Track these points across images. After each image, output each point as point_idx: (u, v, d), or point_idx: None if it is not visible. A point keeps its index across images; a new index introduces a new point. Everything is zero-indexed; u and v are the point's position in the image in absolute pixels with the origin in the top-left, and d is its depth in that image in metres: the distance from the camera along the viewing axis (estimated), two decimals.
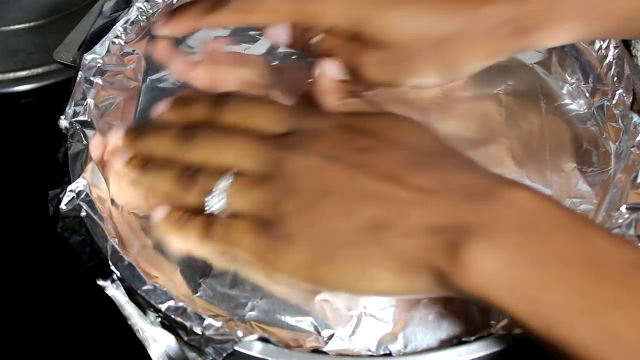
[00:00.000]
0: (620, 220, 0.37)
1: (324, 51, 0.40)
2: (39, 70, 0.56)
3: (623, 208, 0.37)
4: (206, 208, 0.34)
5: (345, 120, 0.35)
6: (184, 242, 0.36)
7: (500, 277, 0.26)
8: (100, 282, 0.36)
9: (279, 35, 0.40)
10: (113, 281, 0.35)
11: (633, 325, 0.25)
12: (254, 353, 0.33)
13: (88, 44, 0.45)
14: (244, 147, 0.34)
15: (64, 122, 0.41)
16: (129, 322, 0.35)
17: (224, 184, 0.34)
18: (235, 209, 0.34)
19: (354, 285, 0.31)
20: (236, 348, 0.33)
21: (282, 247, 0.31)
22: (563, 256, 0.26)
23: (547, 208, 0.28)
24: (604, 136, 0.43)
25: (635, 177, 0.39)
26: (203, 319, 0.33)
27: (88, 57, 0.44)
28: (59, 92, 0.43)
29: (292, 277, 0.32)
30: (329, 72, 0.37)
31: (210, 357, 0.33)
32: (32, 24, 0.58)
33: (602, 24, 0.37)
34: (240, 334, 0.33)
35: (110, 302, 0.35)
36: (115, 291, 0.35)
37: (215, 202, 0.34)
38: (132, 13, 0.47)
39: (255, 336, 0.33)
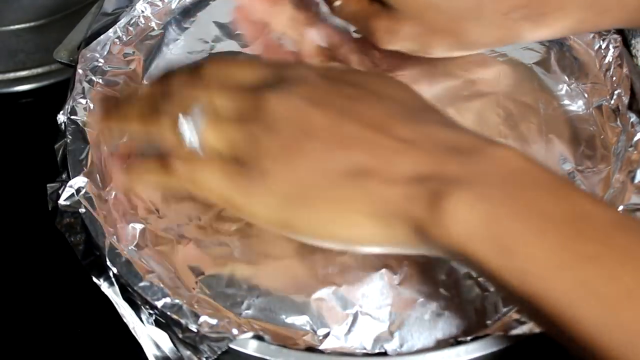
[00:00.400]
0: None
1: (345, 15, 0.42)
2: (39, 70, 0.56)
3: (621, 208, 0.37)
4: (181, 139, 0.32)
5: (331, 72, 0.34)
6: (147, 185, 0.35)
7: (479, 228, 0.26)
8: (95, 280, 0.36)
9: None
10: (107, 279, 0.35)
11: (611, 279, 0.25)
12: (249, 351, 0.33)
13: (88, 44, 0.45)
14: (220, 87, 0.32)
15: (61, 117, 0.41)
16: (124, 320, 0.35)
17: (195, 112, 0.31)
18: (208, 144, 0.32)
19: (328, 229, 0.30)
20: (231, 346, 0.33)
21: (256, 186, 0.30)
22: (544, 212, 0.26)
23: (532, 167, 0.28)
24: (602, 136, 0.43)
25: (634, 177, 0.39)
26: (198, 317, 0.33)
27: (88, 56, 0.44)
28: (59, 92, 0.43)
29: (263, 219, 0.31)
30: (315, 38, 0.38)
31: (205, 355, 0.33)
32: (32, 24, 0.58)
33: (616, 14, 0.38)
34: (235, 332, 0.33)
35: (107, 298, 0.35)
36: (109, 289, 0.36)
37: (187, 133, 0.32)
38: (134, 13, 0.48)
39: (250, 334, 0.33)
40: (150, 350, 0.35)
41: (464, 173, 0.27)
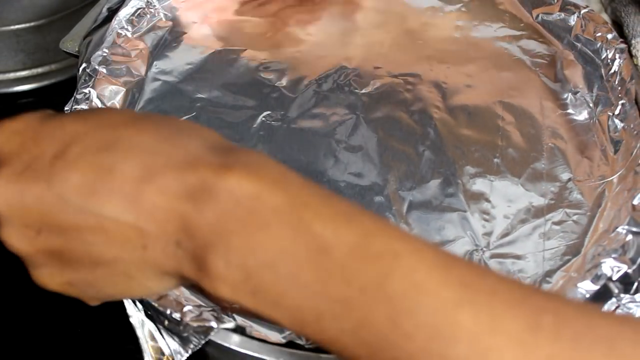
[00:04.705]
0: (615, 242, 0.36)
1: None
2: (39, 70, 0.57)
3: (620, 229, 0.37)
4: None
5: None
6: None
7: (242, 285, 0.24)
8: None
9: None
10: None
11: (368, 324, 0.23)
12: (231, 345, 0.33)
13: (94, 35, 0.45)
14: None
15: (68, 108, 0.42)
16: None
17: None
18: None
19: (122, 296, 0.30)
20: (214, 339, 0.33)
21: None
22: (286, 251, 0.23)
23: (262, 192, 0.24)
24: (602, 147, 0.42)
25: (633, 197, 0.38)
26: (182, 306, 0.33)
27: (93, 47, 0.45)
28: (59, 92, 0.43)
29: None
30: None
31: (191, 345, 0.33)
32: (32, 24, 0.58)
33: None
34: (218, 322, 0.33)
35: None
36: None
37: None
38: (141, 5, 0.48)
39: (232, 324, 0.33)
40: (145, 340, 0.35)
41: (208, 225, 0.24)
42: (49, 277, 0.28)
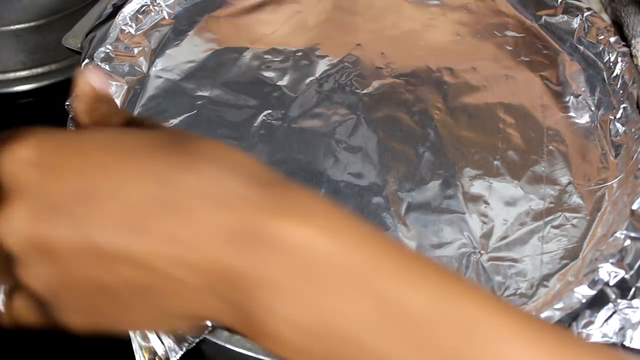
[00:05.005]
0: (613, 247, 0.36)
1: None
2: (39, 70, 0.56)
3: (619, 234, 0.37)
4: None
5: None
6: None
7: (296, 342, 0.22)
8: None
9: None
10: None
11: None
12: (225, 343, 0.33)
13: (97, 31, 0.45)
14: None
15: (69, 104, 0.42)
16: None
17: None
18: None
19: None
20: (210, 338, 0.33)
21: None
22: (348, 312, 0.21)
23: (320, 243, 0.22)
24: (603, 151, 0.42)
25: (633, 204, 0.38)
26: None
27: (96, 43, 0.45)
28: (59, 92, 0.42)
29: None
30: None
31: (186, 343, 0.33)
32: (32, 24, 0.57)
33: None
34: (209, 323, 0.33)
35: None
36: None
37: None
38: (144, 2, 0.48)
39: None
40: (137, 341, 0.35)
41: (255, 273, 0.22)
42: (77, 321, 0.25)
